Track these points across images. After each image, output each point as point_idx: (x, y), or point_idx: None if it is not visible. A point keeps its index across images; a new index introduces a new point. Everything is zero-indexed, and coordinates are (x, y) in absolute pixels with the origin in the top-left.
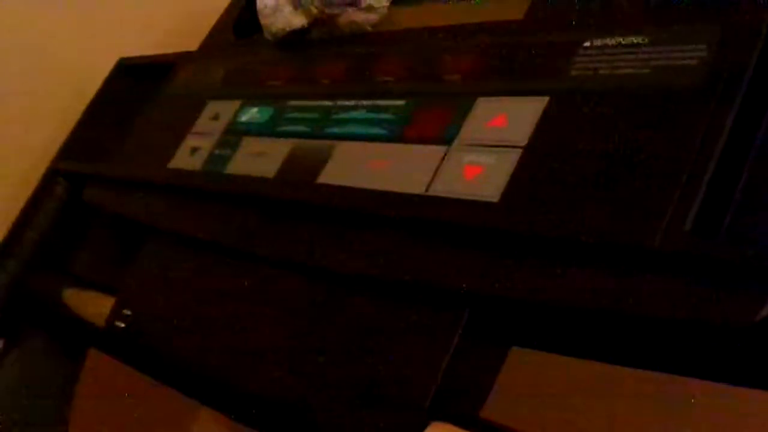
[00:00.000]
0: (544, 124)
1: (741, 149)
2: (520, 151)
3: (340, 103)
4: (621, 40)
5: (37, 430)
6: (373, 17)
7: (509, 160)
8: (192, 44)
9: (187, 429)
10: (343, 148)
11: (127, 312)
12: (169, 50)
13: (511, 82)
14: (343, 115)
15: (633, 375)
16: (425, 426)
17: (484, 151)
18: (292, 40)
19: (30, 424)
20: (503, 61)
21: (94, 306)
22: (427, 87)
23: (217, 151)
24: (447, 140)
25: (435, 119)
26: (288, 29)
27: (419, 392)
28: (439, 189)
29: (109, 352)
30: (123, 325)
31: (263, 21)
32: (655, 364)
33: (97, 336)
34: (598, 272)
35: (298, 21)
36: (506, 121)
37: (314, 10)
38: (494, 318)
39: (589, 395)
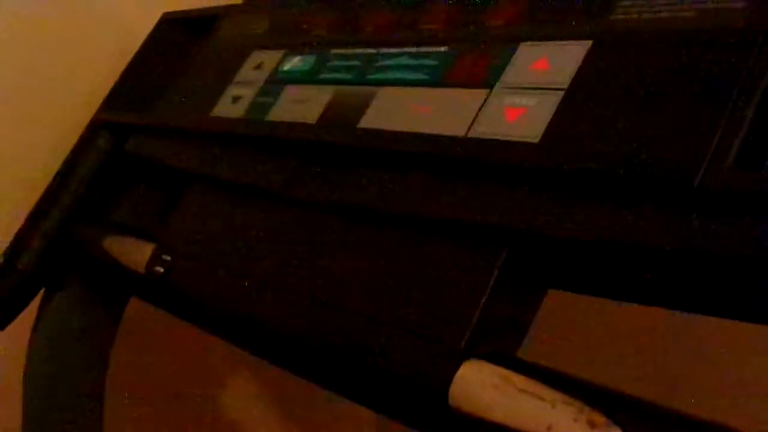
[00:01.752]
0: (586, 67)
1: None
2: (561, 93)
3: (382, 50)
4: None
5: (77, 377)
6: None
7: (550, 102)
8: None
9: (223, 383)
10: (384, 93)
11: (167, 257)
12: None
13: (554, 27)
14: (385, 62)
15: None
16: (461, 363)
17: (525, 94)
18: None
19: (70, 372)
20: (547, 6)
21: (135, 252)
22: (470, 33)
23: (259, 99)
24: (489, 84)
25: (477, 64)
26: None
27: (456, 330)
28: (480, 131)
29: (148, 300)
30: (162, 270)
31: None
32: (696, 305)
33: (137, 282)
34: (638, 210)
35: None
36: (548, 65)
37: None
38: (532, 258)
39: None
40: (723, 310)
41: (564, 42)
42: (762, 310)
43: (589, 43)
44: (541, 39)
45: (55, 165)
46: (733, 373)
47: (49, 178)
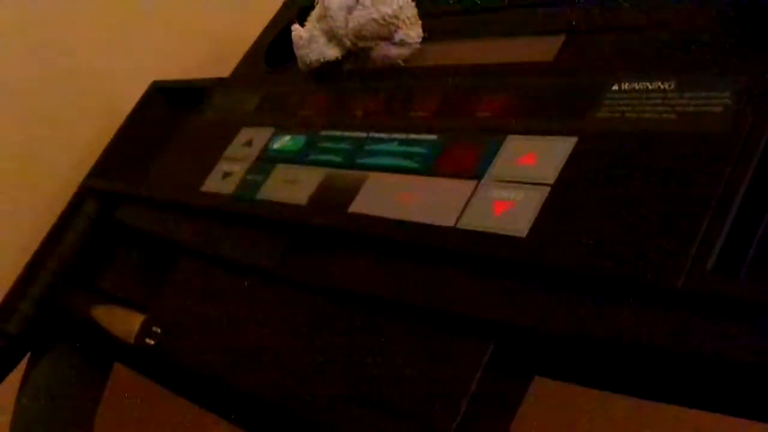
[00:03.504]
0: (572, 164)
1: (763, 195)
2: (548, 188)
3: (372, 135)
4: (648, 85)
5: None
6: (405, 52)
7: (537, 197)
8: (223, 71)
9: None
10: (374, 179)
11: (157, 329)
12: (201, 76)
13: (540, 122)
14: (375, 147)
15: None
16: None
17: (513, 188)
18: (326, 71)
19: None
20: (533, 100)
21: (123, 323)
22: (459, 123)
23: (249, 177)
24: (477, 175)
25: (465, 154)
26: (322, 60)
27: (445, 420)
28: (469, 222)
29: (136, 369)
30: (152, 342)
31: (298, 52)
32: (678, 399)
33: (126, 353)
34: (620, 307)
35: (332, 53)
36: (535, 160)
37: (348, 43)
38: (519, 348)
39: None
40: (710, 405)
41: (550, 137)
42: (746, 407)
43: (575, 139)
44: (528, 133)
45: (43, 230)
46: None
47: (37, 243)
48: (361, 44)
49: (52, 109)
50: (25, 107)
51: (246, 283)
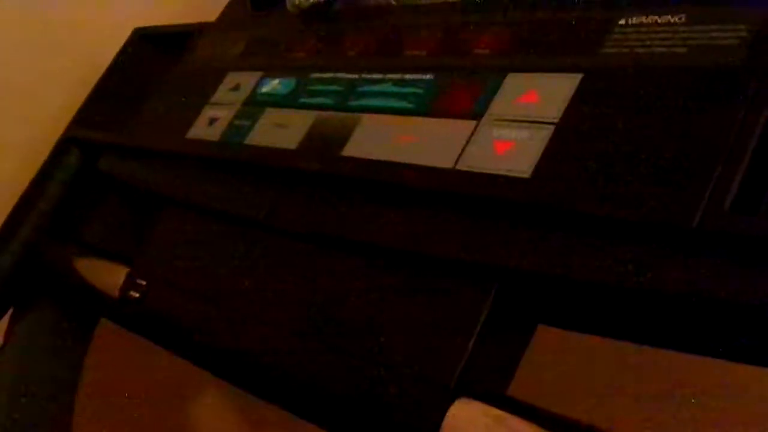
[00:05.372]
0: (577, 101)
1: None
2: (552, 127)
3: (365, 76)
4: (657, 18)
5: (46, 398)
6: None
7: (541, 136)
8: (208, 16)
9: (195, 407)
10: (368, 121)
11: (142, 282)
12: (185, 21)
13: (542, 59)
14: (368, 88)
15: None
16: (451, 402)
17: (514, 127)
18: (315, 12)
19: (38, 393)
20: (534, 36)
21: (108, 275)
22: (456, 61)
23: (236, 122)
24: (476, 115)
25: (464, 94)
26: (312, 1)
27: (446, 369)
28: (469, 163)
29: (120, 323)
30: (137, 294)
31: None
32: (684, 345)
33: (110, 306)
34: (629, 250)
35: None
36: (538, 98)
37: None
38: (522, 294)
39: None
40: (713, 350)
41: (553, 74)
42: (754, 352)
43: (580, 76)
44: (529, 70)
45: (25, 182)
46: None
47: (18, 196)
48: None
49: (33, 61)
50: (3, 60)
51: (234, 231)
